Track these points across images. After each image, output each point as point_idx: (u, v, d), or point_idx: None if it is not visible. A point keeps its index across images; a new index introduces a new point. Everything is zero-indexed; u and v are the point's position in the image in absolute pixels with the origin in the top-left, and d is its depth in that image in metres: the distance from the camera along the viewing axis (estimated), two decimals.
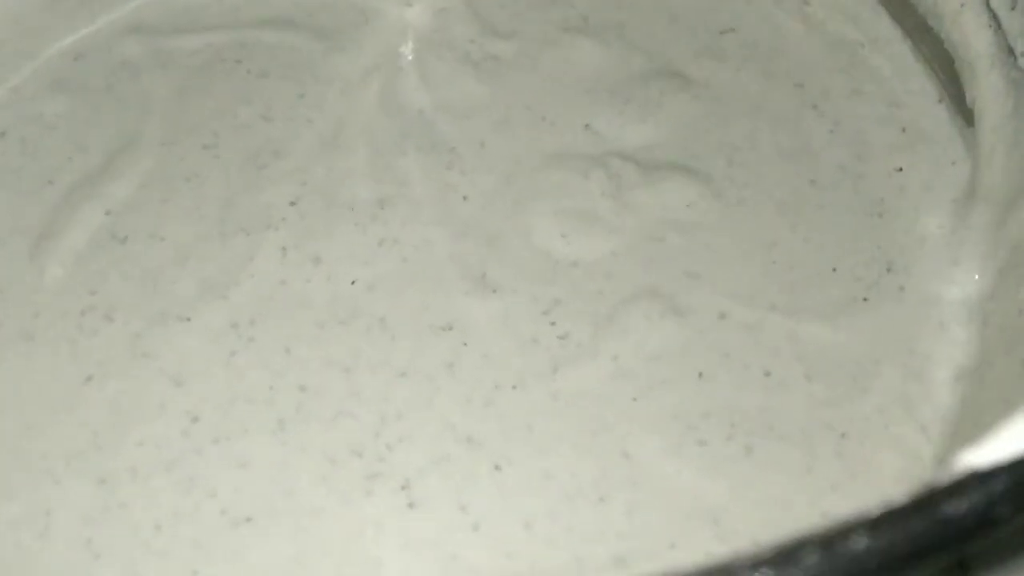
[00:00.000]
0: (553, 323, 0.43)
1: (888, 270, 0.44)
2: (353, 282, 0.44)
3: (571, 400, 0.41)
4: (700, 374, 0.42)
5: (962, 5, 0.45)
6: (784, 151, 0.48)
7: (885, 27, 0.51)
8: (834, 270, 0.44)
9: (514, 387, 0.42)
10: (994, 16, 0.44)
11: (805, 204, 0.46)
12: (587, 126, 0.48)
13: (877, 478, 0.39)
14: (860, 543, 0.24)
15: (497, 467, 0.40)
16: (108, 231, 0.46)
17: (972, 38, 0.45)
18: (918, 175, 0.47)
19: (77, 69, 0.51)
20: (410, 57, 0.51)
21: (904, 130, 0.48)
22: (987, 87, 0.44)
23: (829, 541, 0.24)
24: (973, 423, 0.39)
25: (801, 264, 0.45)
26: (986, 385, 0.39)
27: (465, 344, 0.43)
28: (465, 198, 0.46)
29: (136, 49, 0.51)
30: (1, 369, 0.42)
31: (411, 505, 0.39)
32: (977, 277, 0.43)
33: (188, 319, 0.43)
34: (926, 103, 0.49)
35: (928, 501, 0.25)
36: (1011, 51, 0.43)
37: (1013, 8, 0.43)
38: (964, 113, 0.47)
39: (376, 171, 0.47)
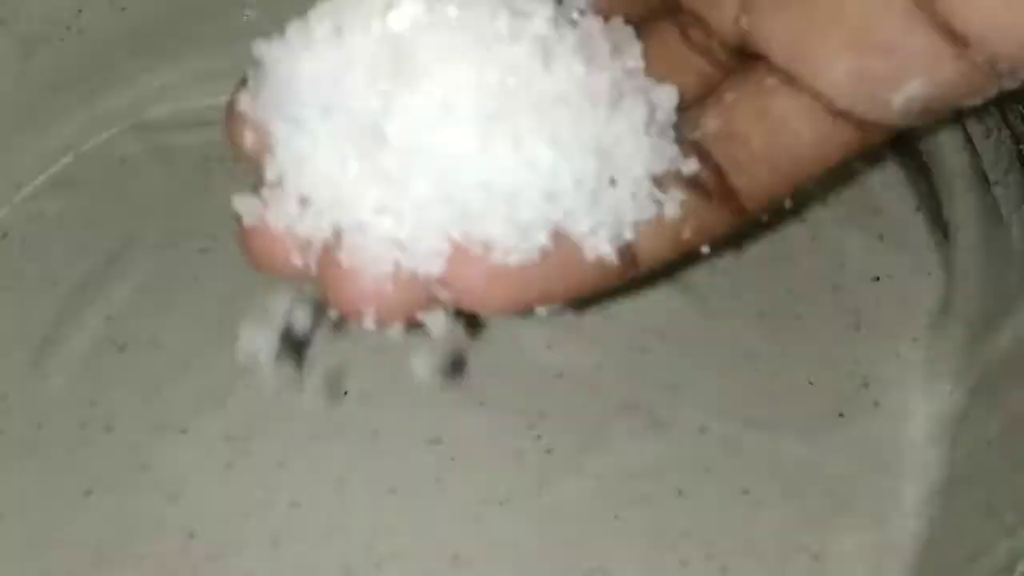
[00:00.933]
0: (539, 436, 0.45)
1: (864, 385, 0.46)
2: (346, 392, 0.46)
3: (555, 517, 0.43)
4: (679, 491, 0.43)
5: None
6: (764, 259, 0.49)
7: None
8: (811, 383, 0.46)
9: (500, 503, 0.43)
10: (970, 140, 0.45)
11: (784, 314, 0.48)
12: None
13: None
14: None
15: None
16: (108, 337, 0.47)
17: (948, 158, 0.46)
18: (894, 285, 0.48)
19: (77, 166, 0.52)
20: None
21: (881, 238, 0.49)
22: (963, 208, 0.46)
23: None
24: (939, 551, 0.41)
25: (780, 377, 0.46)
26: (951, 514, 0.41)
27: (453, 458, 0.44)
28: None
29: (136, 145, 0.52)
30: (4, 481, 0.44)
31: None
32: (949, 390, 0.45)
33: (185, 431, 0.45)
34: (904, 211, 0.50)
35: None
36: (986, 177, 0.45)
37: (987, 137, 0.44)
38: (941, 225, 0.48)
39: None
